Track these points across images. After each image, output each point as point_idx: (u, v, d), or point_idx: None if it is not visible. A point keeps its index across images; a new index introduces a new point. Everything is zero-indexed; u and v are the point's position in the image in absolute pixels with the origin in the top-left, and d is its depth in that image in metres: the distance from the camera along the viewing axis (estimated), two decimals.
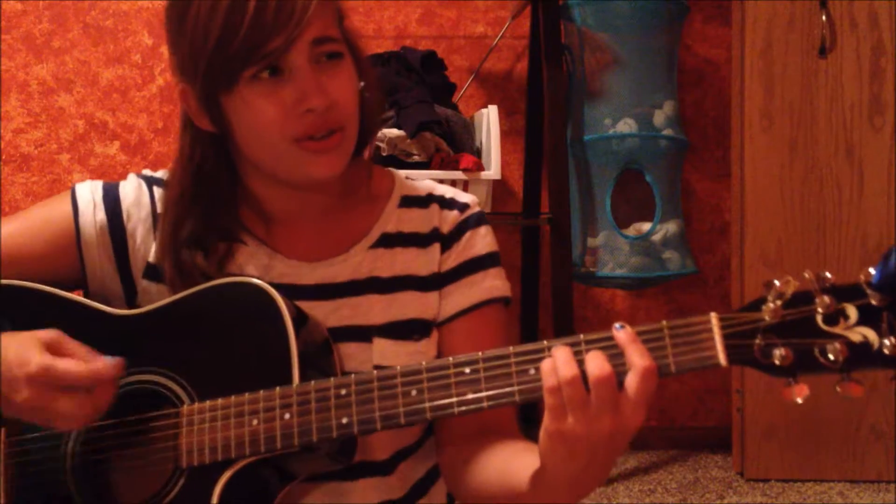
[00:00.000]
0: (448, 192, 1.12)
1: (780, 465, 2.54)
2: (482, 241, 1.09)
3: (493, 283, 1.08)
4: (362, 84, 1.01)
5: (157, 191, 1.06)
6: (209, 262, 1.01)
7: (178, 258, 1.00)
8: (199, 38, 0.93)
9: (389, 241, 1.07)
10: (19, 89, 2.79)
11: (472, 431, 1.03)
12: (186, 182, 1.02)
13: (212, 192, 1.03)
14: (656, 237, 2.64)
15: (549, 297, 2.49)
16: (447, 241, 1.08)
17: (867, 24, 2.52)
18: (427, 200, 1.10)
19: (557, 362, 0.80)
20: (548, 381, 0.80)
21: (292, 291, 0.99)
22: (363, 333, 1.03)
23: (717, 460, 2.73)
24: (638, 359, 0.79)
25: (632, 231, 2.67)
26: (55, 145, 2.80)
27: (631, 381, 0.78)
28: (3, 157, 2.79)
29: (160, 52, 2.81)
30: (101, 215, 1.05)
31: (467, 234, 1.08)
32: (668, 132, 2.63)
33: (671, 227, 2.65)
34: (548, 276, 2.56)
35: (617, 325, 0.81)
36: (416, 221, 1.08)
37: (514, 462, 0.93)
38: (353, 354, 1.01)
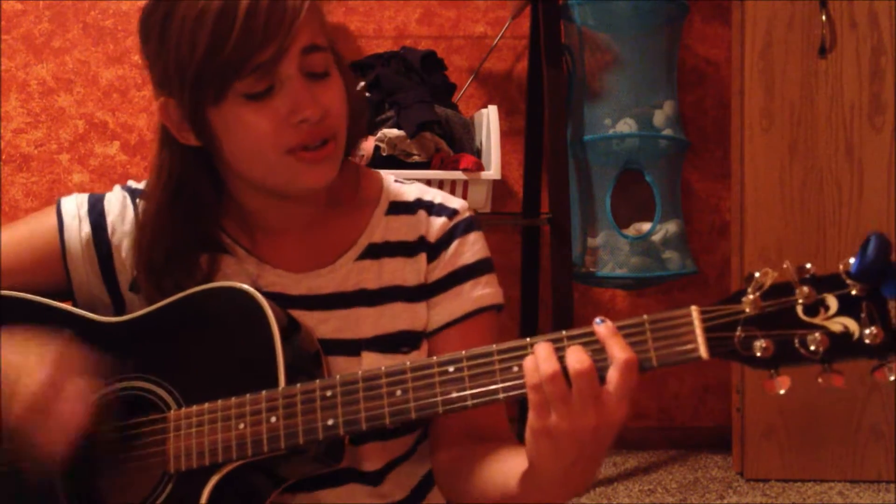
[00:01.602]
0: (437, 196, 1.09)
1: (780, 465, 2.54)
2: (471, 248, 1.07)
3: (482, 293, 1.06)
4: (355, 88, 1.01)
5: (141, 204, 1.05)
6: (189, 277, 1.00)
7: (154, 277, 1.00)
8: (185, 49, 0.91)
9: (376, 251, 1.05)
10: (19, 89, 2.79)
11: (464, 435, 1.02)
12: (163, 200, 1.01)
13: (191, 208, 1.01)
14: (656, 237, 2.64)
15: (549, 297, 2.49)
16: (434, 250, 1.06)
17: (867, 24, 2.52)
18: (414, 206, 1.08)
19: (538, 359, 0.80)
20: (530, 378, 0.80)
21: (279, 301, 0.99)
22: (352, 347, 1.02)
23: (717, 460, 2.73)
24: (618, 352, 0.79)
25: (632, 231, 2.67)
26: (55, 145, 2.80)
27: (612, 374, 0.78)
28: (3, 157, 2.79)
29: None
30: (87, 229, 1.04)
31: (455, 243, 1.06)
32: (668, 132, 2.63)
33: (671, 227, 2.65)
34: (548, 276, 2.56)
35: (597, 319, 0.82)
36: (403, 229, 1.07)
37: (505, 464, 0.92)
38: (341, 368, 1.01)
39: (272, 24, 0.89)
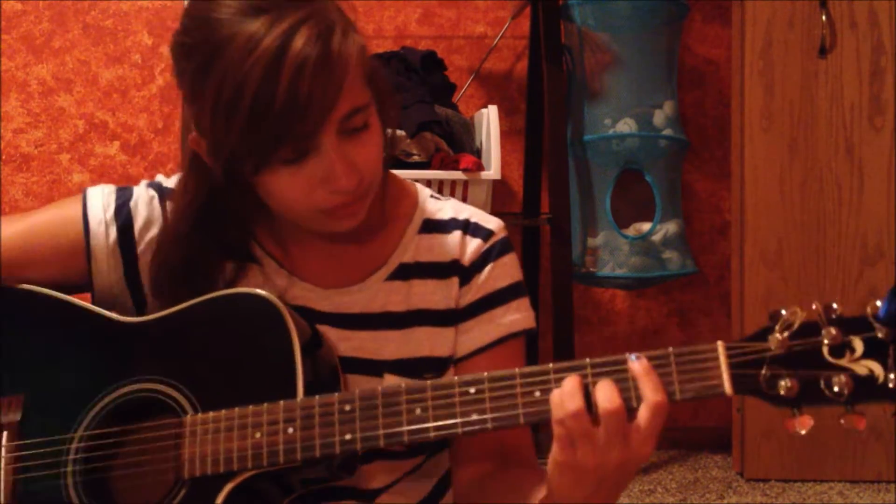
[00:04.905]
0: (473, 215, 1.06)
1: (780, 465, 2.54)
2: (504, 272, 1.05)
3: (513, 318, 1.04)
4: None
5: (170, 205, 1.03)
6: (209, 285, 0.98)
7: (171, 287, 0.99)
8: (220, 123, 0.86)
9: (406, 272, 1.03)
10: (19, 89, 2.79)
11: (487, 454, 1.01)
12: (190, 220, 0.99)
13: (220, 222, 0.99)
14: (656, 237, 2.64)
15: (549, 297, 2.49)
16: (467, 274, 1.04)
17: (867, 24, 2.52)
18: (449, 226, 1.05)
19: (563, 394, 0.80)
20: (555, 412, 0.80)
21: (305, 316, 0.98)
22: (374, 368, 1.00)
23: (717, 460, 2.73)
24: (651, 392, 0.79)
25: (632, 231, 2.67)
26: (55, 145, 2.80)
27: (643, 414, 0.79)
28: (3, 157, 2.79)
29: (160, 52, 2.81)
30: (113, 236, 1.02)
31: (489, 267, 1.04)
32: (668, 132, 2.63)
33: (671, 227, 2.65)
34: (548, 276, 2.56)
35: (632, 355, 0.81)
36: (436, 250, 1.04)
37: (523, 489, 0.92)
38: (362, 387, 0.99)
39: (314, 102, 0.84)
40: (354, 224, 0.96)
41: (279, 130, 0.85)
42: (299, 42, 0.83)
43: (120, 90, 2.81)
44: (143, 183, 1.07)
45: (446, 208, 1.07)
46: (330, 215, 0.94)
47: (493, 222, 1.06)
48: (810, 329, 0.77)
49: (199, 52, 0.88)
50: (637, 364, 0.80)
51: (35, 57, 2.79)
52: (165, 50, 2.80)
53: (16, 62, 2.79)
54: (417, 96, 2.38)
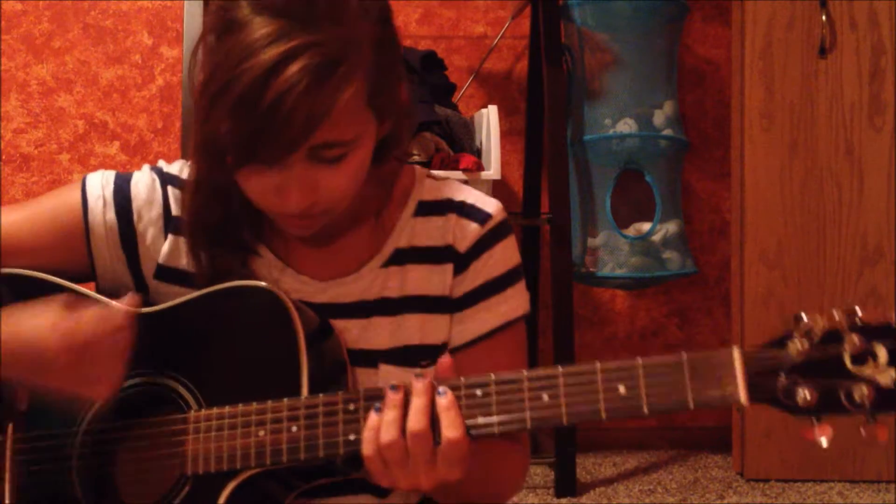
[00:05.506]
0: (470, 196, 1.03)
1: (780, 465, 2.54)
2: (502, 257, 1.02)
3: (510, 305, 1.01)
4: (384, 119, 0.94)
5: (172, 191, 1.02)
6: (229, 254, 0.98)
7: (210, 256, 0.98)
8: (206, 101, 0.85)
9: (401, 257, 1.01)
10: (19, 89, 2.79)
11: None
12: (207, 183, 0.97)
13: (237, 195, 0.97)
14: (656, 237, 2.64)
15: (549, 297, 2.49)
16: (463, 261, 1.01)
17: (867, 24, 2.52)
18: (445, 207, 1.02)
19: (383, 423, 0.83)
20: (368, 445, 0.84)
21: None
22: (370, 359, 0.99)
23: (717, 460, 2.73)
24: (447, 429, 0.82)
25: (632, 231, 2.67)
26: (55, 145, 2.80)
27: (442, 448, 0.82)
28: (3, 157, 2.79)
29: (160, 52, 2.81)
30: (111, 215, 1.01)
31: (485, 255, 1.01)
32: (668, 132, 2.63)
33: (671, 227, 2.65)
34: (548, 276, 2.56)
35: (440, 388, 0.84)
36: (431, 233, 1.02)
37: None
38: (359, 380, 0.98)
39: (290, 127, 0.83)
40: (307, 234, 0.96)
41: (251, 138, 0.84)
42: (294, 68, 0.81)
43: (120, 90, 2.81)
44: (146, 167, 1.06)
45: (442, 189, 1.04)
46: (285, 220, 0.93)
47: (490, 204, 1.03)
48: (831, 336, 0.74)
49: (213, 20, 0.87)
50: (442, 399, 0.83)
51: (35, 57, 2.79)
52: (165, 50, 2.81)
53: (16, 62, 2.78)
54: (417, 96, 2.38)
